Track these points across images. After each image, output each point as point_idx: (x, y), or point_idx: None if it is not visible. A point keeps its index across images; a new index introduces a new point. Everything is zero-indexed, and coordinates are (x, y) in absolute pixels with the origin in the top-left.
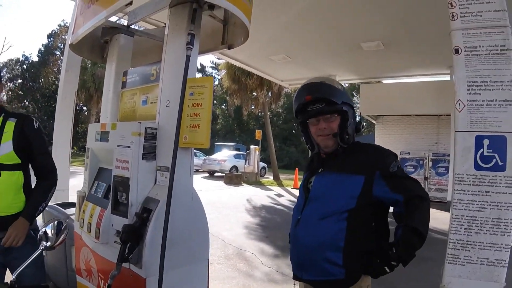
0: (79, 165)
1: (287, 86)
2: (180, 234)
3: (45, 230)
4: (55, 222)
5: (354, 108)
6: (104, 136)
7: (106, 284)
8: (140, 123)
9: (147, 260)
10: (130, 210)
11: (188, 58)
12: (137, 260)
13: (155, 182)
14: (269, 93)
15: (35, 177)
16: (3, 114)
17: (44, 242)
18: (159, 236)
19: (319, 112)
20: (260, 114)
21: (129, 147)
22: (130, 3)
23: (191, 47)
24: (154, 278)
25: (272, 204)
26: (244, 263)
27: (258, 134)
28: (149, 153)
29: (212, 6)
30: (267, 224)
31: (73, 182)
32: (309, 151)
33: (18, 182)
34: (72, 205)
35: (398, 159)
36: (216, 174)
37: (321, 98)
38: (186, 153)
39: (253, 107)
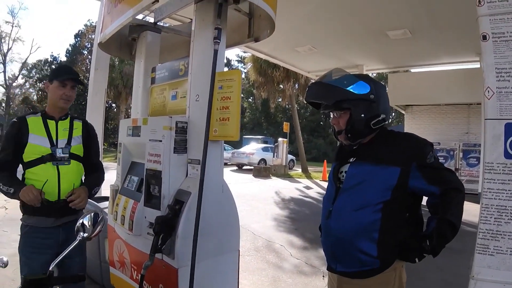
0: (110, 161)
1: (314, 77)
2: (211, 226)
3: (82, 222)
4: (92, 214)
5: (373, 101)
6: (135, 131)
7: (139, 275)
8: (171, 117)
9: (179, 251)
10: (162, 202)
11: (216, 52)
12: (169, 251)
13: (186, 175)
14: (296, 85)
15: (86, 173)
16: (69, 116)
17: (81, 233)
18: (191, 227)
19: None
20: (287, 106)
21: (160, 141)
22: (157, 1)
23: (219, 41)
24: (186, 269)
25: (300, 197)
26: (274, 255)
27: (286, 127)
28: (180, 146)
29: (237, 0)
30: (296, 216)
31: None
32: (337, 141)
33: (80, 172)
34: (104, 199)
35: None
36: (244, 167)
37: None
38: (216, 146)
39: (280, 100)
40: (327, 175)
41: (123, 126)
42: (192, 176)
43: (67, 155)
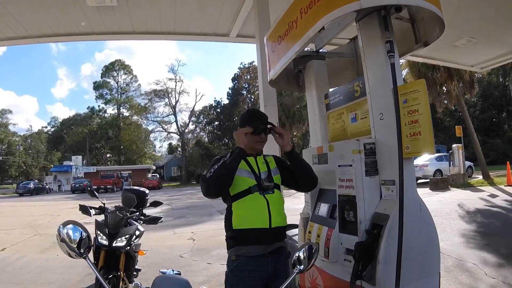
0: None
1: (479, 70)
2: (412, 248)
3: (298, 255)
4: (307, 246)
5: None
6: (322, 158)
7: None
8: (358, 140)
9: (381, 277)
10: (359, 227)
11: (393, 66)
12: (370, 277)
13: (381, 197)
14: (460, 83)
15: None
16: (261, 154)
17: (298, 266)
18: (392, 251)
19: None
20: (454, 108)
21: (351, 165)
22: (323, 28)
23: (393, 54)
24: None
25: (487, 207)
26: (466, 275)
27: (458, 131)
28: (371, 168)
29: (399, 8)
30: (486, 230)
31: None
32: None
33: (283, 201)
34: (291, 226)
35: None
36: (419, 181)
37: None
38: (409, 164)
39: (446, 102)
40: None
41: (307, 156)
42: (387, 198)
43: (272, 184)
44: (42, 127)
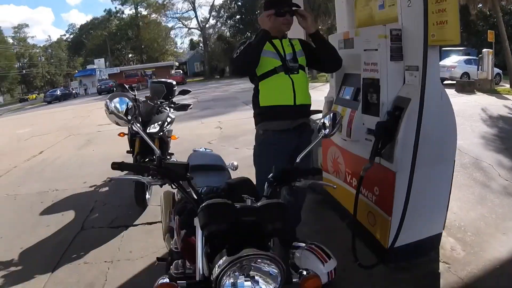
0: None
1: None
2: (430, 133)
3: (324, 121)
4: (331, 114)
5: None
6: (347, 43)
7: (353, 178)
8: (385, 25)
9: (398, 155)
10: (381, 109)
11: None
12: (388, 156)
13: (404, 82)
14: None
15: None
16: (287, 37)
17: (323, 131)
18: (411, 133)
19: None
20: (489, 13)
21: (376, 49)
22: None
23: None
24: (404, 173)
25: (510, 115)
26: (481, 173)
27: (490, 36)
28: (396, 54)
29: None
30: (506, 135)
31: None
32: None
33: (307, 82)
34: (315, 112)
35: None
36: (445, 82)
37: None
38: (434, 52)
39: (480, 6)
40: None
41: (333, 41)
42: (410, 83)
43: (297, 65)
44: (61, 35)
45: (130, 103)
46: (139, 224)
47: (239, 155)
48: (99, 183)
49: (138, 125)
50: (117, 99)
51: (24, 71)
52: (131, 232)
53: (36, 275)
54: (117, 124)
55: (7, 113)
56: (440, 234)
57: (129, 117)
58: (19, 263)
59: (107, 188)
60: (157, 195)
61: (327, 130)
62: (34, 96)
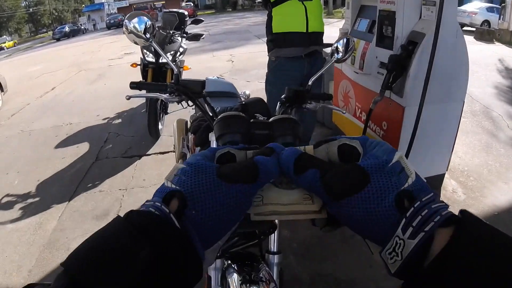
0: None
1: None
2: (442, 70)
3: (336, 46)
4: (344, 39)
5: None
6: None
7: (363, 113)
8: None
9: (408, 90)
10: (395, 42)
11: None
12: (398, 90)
13: (420, 17)
14: None
15: None
16: None
17: (335, 55)
18: (423, 68)
19: None
20: None
21: None
22: None
23: None
24: (413, 109)
25: None
26: (490, 122)
27: None
28: None
29: None
30: None
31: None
32: None
33: (322, 10)
34: (327, 45)
35: None
36: (465, 28)
37: None
38: None
39: None
40: None
41: None
42: (426, 18)
43: None
44: None
45: (149, 22)
46: (152, 154)
47: (251, 87)
48: (112, 115)
49: (156, 45)
50: (135, 19)
51: (31, 9)
52: (144, 161)
53: (53, 205)
54: (136, 43)
55: (16, 53)
56: (443, 175)
57: (148, 35)
58: (37, 194)
59: (120, 120)
60: (169, 125)
61: (340, 54)
62: (11, 43)
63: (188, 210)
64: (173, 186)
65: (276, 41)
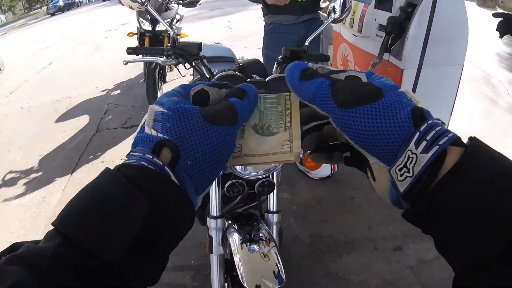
0: None
1: None
2: (441, 33)
3: (333, 6)
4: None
5: None
6: None
7: None
8: None
9: (407, 53)
10: (394, 4)
11: None
12: (397, 52)
13: None
14: None
15: None
16: None
17: (332, 15)
18: (421, 31)
19: None
20: None
21: None
22: None
23: None
24: (411, 72)
25: None
26: (489, 88)
27: None
28: None
29: None
30: None
31: None
32: None
33: None
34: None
35: None
36: None
37: None
38: None
39: None
40: None
41: None
42: None
43: None
44: None
45: None
46: None
47: (249, 54)
48: (111, 87)
49: (152, 8)
50: None
51: None
52: None
53: (56, 178)
54: (131, 8)
55: (11, 31)
56: None
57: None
58: (39, 169)
59: (119, 91)
60: None
61: (337, 14)
62: None
63: (182, 160)
64: (159, 134)
65: (270, 8)
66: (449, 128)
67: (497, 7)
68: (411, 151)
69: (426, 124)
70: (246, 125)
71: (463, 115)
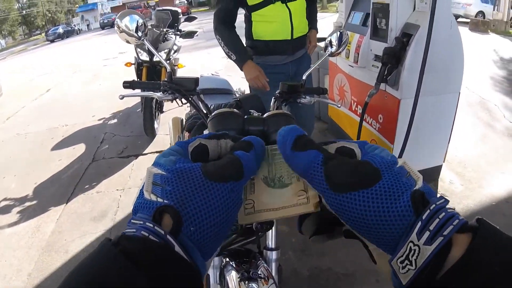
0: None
1: None
2: (437, 62)
3: (330, 39)
4: (338, 32)
5: None
6: None
7: (358, 106)
8: None
9: (404, 82)
10: (389, 35)
11: None
12: (394, 82)
13: (414, 9)
14: None
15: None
16: None
17: (329, 48)
18: (418, 60)
19: None
20: None
21: None
22: None
23: None
24: (408, 101)
25: None
26: (486, 113)
27: None
28: None
29: None
30: None
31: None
32: None
33: (305, 7)
34: (320, 40)
35: None
36: (459, 19)
37: None
38: None
39: None
40: None
41: None
42: (420, 9)
43: None
44: None
45: (140, 20)
46: (148, 153)
47: (246, 84)
48: (108, 115)
49: (148, 43)
50: (127, 17)
51: (24, 11)
52: (141, 160)
53: (51, 208)
54: (128, 42)
55: (10, 56)
56: (440, 167)
57: (140, 34)
58: (34, 197)
59: (116, 120)
60: (165, 124)
61: (334, 48)
62: None
63: (185, 227)
64: (159, 199)
65: (257, 49)
66: (448, 154)
67: (489, 31)
68: (413, 242)
69: (428, 211)
70: (256, 178)
71: (461, 140)
